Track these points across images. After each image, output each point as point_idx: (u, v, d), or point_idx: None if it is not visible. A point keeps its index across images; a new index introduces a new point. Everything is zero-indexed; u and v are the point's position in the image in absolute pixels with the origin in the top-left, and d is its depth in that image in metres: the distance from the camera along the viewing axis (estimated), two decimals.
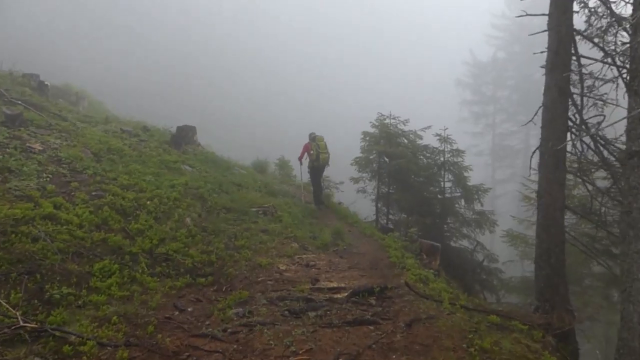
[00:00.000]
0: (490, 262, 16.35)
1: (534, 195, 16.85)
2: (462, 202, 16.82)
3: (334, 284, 7.81)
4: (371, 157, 17.53)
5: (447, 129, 16.53)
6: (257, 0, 65.98)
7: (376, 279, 8.11)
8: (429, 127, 16.63)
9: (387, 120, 16.92)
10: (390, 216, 17.67)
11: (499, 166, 52.66)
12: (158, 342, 5.35)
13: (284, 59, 64.56)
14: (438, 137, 16.58)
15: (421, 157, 17.46)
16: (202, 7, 61.09)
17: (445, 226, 16.96)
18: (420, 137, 17.02)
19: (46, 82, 19.69)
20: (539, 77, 42.07)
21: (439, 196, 17.40)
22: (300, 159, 15.12)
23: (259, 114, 54.94)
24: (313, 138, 14.84)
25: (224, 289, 7.63)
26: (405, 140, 17.15)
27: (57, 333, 5.28)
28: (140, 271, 7.79)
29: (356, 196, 18.65)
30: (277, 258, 9.45)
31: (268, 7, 67.50)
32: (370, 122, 17.57)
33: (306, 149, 14.78)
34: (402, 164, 15.92)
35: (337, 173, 20.28)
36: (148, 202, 10.23)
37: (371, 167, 17.63)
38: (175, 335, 5.61)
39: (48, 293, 6.40)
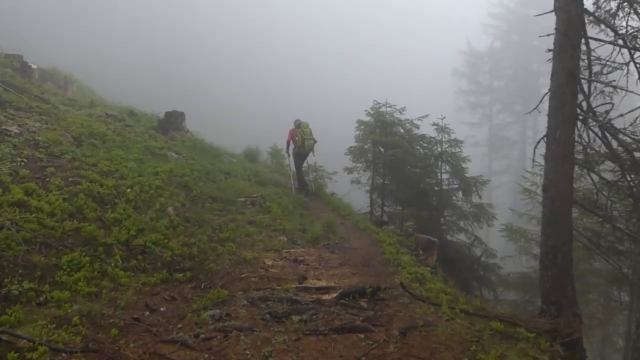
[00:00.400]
0: (488, 257, 15.80)
1: (534, 187, 16.35)
2: (460, 194, 16.24)
3: (323, 283, 7.21)
4: (366, 146, 16.90)
5: (444, 118, 15.91)
6: None
7: (369, 278, 7.52)
8: (426, 115, 15.98)
9: (383, 109, 16.26)
10: (385, 208, 17.09)
11: (495, 157, 52.25)
12: (120, 349, 4.76)
13: (277, 47, 63.60)
14: (435, 127, 15.95)
15: (417, 147, 16.85)
16: None
17: (441, 219, 16.38)
18: (417, 127, 16.38)
19: (31, 64, 18.92)
20: (537, 68, 41.45)
21: (436, 188, 16.82)
22: (287, 144, 15.05)
23: (252, 101, 54.17)
24: (298, 124, 14.83)
25: (202, 286, 7.03)
26: (402, 130, 16.51)
27: (5, 336, 4.67)
28: (113, 264, 7.20)
29: (350, 187, 18.06)
30: (264, 252, 8.86)
31: None
32: (365, 111, 16.92)
33: (291, 135, 14.80)
34: (398, 154, 15.30)
35: (331, 163, 19.70)
36: (128, 190, 9.61)
37: (366, 157, 17.00)
38: (141, 340, 5.01)
39: (6, 288, 5.80)
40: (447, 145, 15.92)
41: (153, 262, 7.65)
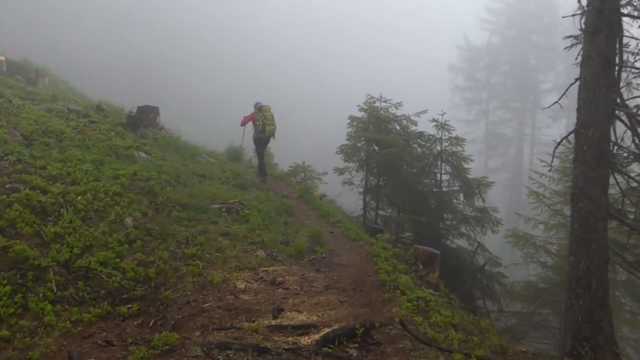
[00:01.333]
0: (492, 265, 14.44)
1: (541, 189, 15.00)
2: (461, 197, 14.86)
3: (303, 317, 5.81)
4: (359, 144, 15.52)
5: (444, 113, 14.53)
6: None
7: (360, 309, 6.12)
8: (425, 111, 14.59)
9: (377, 104, 14.87)
10: (380, 211, 15.70)
11: (492, 155, 51.10)
12: None
13: (269, 42, 61.89)
14: (435, 124, 14.58)
15: (414, 145, 15.48)
16: None
17: (441, 224, 15.02)
18: (415, 123, 15.01)
19: None
20: (535, 64, 39.91)
21: (434, 190, 15.48)
22: (242, 124, 14.30)
23: (237, 97, 52.57)
24: (259, 108, 14.03)
25: (151, 323, 5.61)
26: (397, 127, 15.13)
27: None
28: (42, 295, 5.78)
29: (341, 188, 16.68)
30: (236, 272, 7.45)
31: None
32: (358, 106, 15.51)
33: (251, 118, 14.04)
34: (394, 153, 13.92)
35: (321, 163, 18.33)
36: (78, 198, 8.20)
37: (358, 156, 15.63)
38: None
39: None
40: (447, 144, 14.56)
41: (96, 289, 6.23)
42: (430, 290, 7.46)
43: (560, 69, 49.96)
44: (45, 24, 41.21)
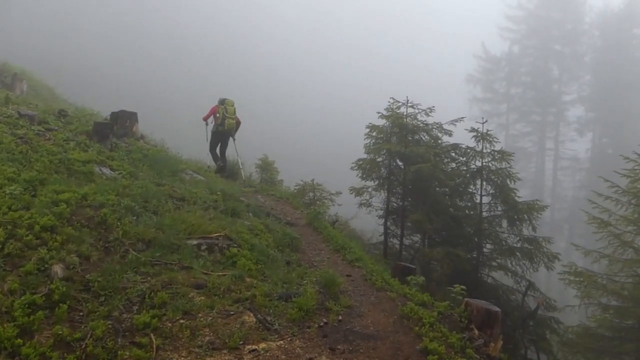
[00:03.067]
0: (546, 309, 11.68)
1: (604, 215, 12.29)
2: (505, 223, 12.17)
3: None
4: (379, 159, 12.92)
5: (486, 121, 11.91)
6: None
7: None
8: (462, 119, 11.98)
9: (402, 109, 12.25)
10: (405, 239, 13.04)
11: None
12: None
13: (277, 51, 59.67)
14: (474, 134, 11.92)
15: (447, 159, 12.89)
16: None
17: (479, 256, 12.32)
18: (449, 133, 12.38)
19: None
20: (558, 75, 37.64)
21: (467, 212, 12.86)
22: (204, 119, 14.09)
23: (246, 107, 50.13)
24: (222, 101, 13.83)
25: None
26: (427, 137, 12.51)
27: None
28: None
29: (356, 210, 14.09)
30: (209, 355, 4.83)
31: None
32: (378, 113, 12.92)
33: (213, 111, 13.90)
34: (425, 170, 11.24)
35: (334, 181, 15.78)
36: None
37: (378, 172, 13.02)
38: None
39: None
40: (489, 159, 11.88)
41: None
42: None
43: (585, 80, 47.32)
44: (48, 33, 39.31)
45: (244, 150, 15.48)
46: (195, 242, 7.38)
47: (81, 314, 5.27)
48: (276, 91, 54.35)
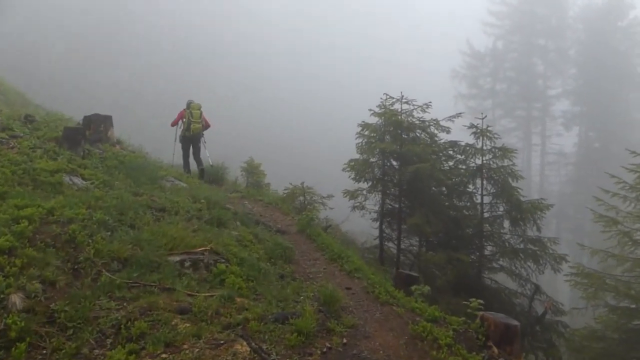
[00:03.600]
0: (553, 313, 11.05)
1: (612, 213, 11.70)
2: (508, 224, 11.53)
3: None
4: (372, 159, 12.21)
5: (485, 117, 11.25)
6: None
7: None
8: (460, 114, 11.31)
9: (397, 105, 11.55)
10: (401, 242, 12.35)
11: None
12: None
13: (266, 49, 58.73)
14: (473, 130, 11.27)
15: (444, 158, 12.22)
16: None
17: (479, 258, 11.66)
18: (447, 130, 11.69)
19: None
20: (541, 69, 37.17)
21: (466, 212, 12.20)
22: (173, 124, 13.93)
23: (244, 111, 49.11)
24: (188, 105, 13.62)
25: None
26: (424, 134, 11.82)
27: None
28: None
29: (349, 213, 13.39)
30: None
31: None
32: (370, 110, 12.21)
33: (181, 116, 13.69)
34: (424, 169, 10.54)
35: (325, 183, 15.06)
36: None
37: (372, 173, 12.31)
38: None
39: None
40: (490, 156, 11.23)
41: None
42: None
43: (570, 74, 47.09)
44: (19, 38, 37.98)
45: (229, 153, 14.72)
46: (177, 258, 6.61)
47: (44, 352, 4.51)
48: (260, 94, 53.45)
